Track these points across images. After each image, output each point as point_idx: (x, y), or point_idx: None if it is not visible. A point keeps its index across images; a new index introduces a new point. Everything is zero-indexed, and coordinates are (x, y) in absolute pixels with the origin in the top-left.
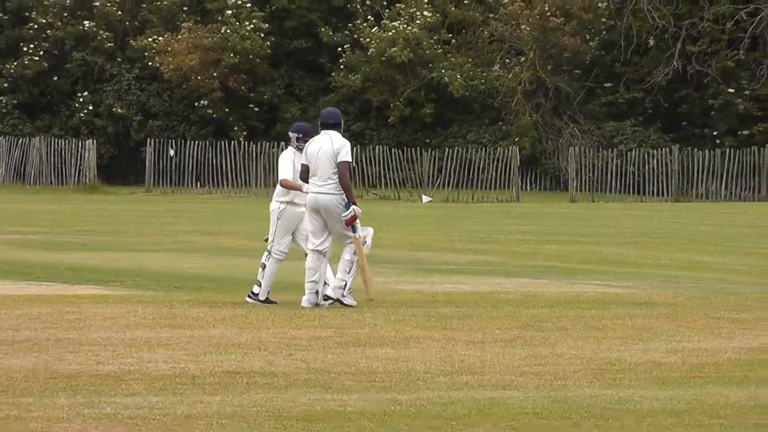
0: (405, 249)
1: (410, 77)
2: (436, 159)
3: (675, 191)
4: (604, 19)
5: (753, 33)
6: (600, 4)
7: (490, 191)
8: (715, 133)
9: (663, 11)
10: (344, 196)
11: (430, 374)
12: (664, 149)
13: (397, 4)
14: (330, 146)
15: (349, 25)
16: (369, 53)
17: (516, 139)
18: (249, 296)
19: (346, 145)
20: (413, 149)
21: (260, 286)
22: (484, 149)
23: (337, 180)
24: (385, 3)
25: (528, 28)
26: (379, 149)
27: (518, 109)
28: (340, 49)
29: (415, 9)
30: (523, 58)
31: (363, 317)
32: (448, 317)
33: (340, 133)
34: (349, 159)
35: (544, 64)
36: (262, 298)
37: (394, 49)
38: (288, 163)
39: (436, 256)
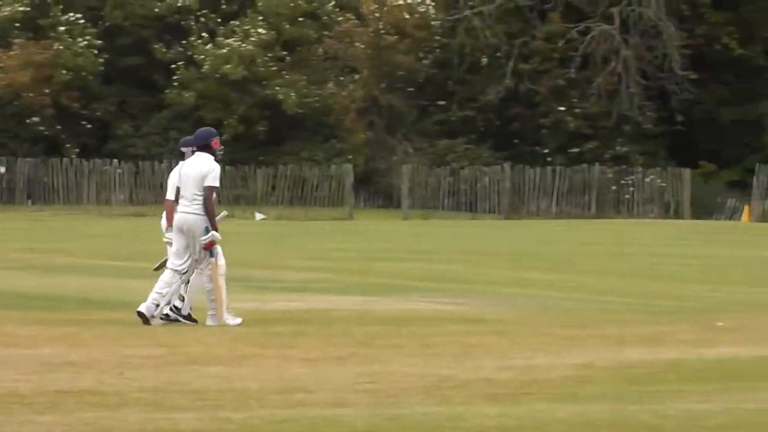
0: (238, 267)
1: (244, 94)
2: (270, 176)
3: (507, 208)
4: (437, 37)
5: (584, 51)
6: (433, 23)
7: (323, 209)
8: (546, 150)
9: (495, 30)
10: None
11: (263, 392)
12: (495, 167)
13: (232, 21)
14: (199, 169)
15: (183, 42)
16: (203, 70)
17: (349, 157)
18: (172, 309)
19: (214, 169)
20: (247, 166)
21: (183, 300)
22: (317, 167)
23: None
24: (219, 20)
25: (362, 46)
26: None
27: (352, 127)
28: (173, 66)
29: (249, 26)
30: (357, 76)
31: (196, 336)
32: (281, 335)
33: (211, 154)
34: (216, 184)
35: (377, 81)
36: (184, 312)
37: (228, 66)
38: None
39: (269, 274)
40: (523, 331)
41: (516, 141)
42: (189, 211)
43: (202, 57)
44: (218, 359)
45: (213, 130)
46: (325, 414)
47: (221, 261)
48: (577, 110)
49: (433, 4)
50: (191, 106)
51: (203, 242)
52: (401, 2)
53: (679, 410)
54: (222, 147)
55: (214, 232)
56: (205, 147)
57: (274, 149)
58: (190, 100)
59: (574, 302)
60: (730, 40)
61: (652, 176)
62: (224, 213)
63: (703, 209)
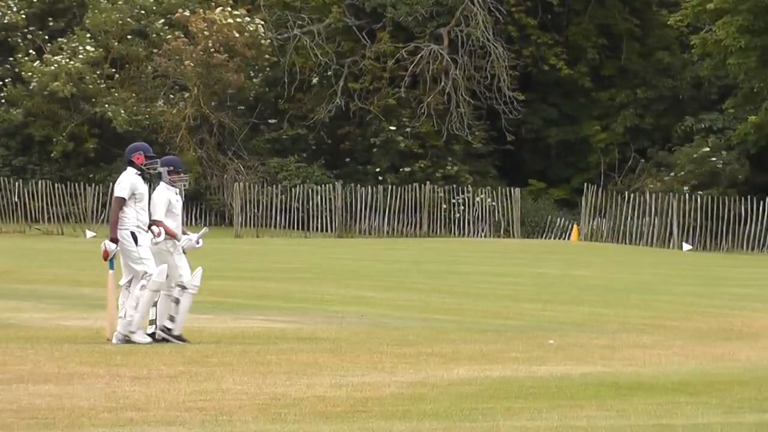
0: (68, 284)
1: (73, 112)
2: (101, 194)
3: (338, 227)
4: (267, 56)
5: (413, 71)
6: (263, 41)
7: None
8: (377, 169)
9: (325, 49)
10: (128, 231)
11: (94, 411)
12: (327, 185)
13: (59, 39)
14: (117, 182)
15: (10, 59)
16: (31, 87)
17: None
18: (162, 330)
19: (121, 181)
20: (77, 184)
21: (174, 321)
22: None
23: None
24: (46, 37)
25: (192, 64)
26: (41, 184)
27: (183, 145)
28: (0, 83)
29: (77, 43)
30: (187, 94)
31: (25, 354)
32: (112, 353)
33: (133, 168)
34: (120, 194)
35: (208, 100)
36: (176, 333)
37: (56, 83)
38: (162, 201)
39: (99, 292)
40: (355, 349)
41: (347, 159)
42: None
43: (30, 74)
44: (48, 377)
45: (140, 145)
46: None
47: (160, 277)
48: (407, 129)
49: (262, 23)
50: (19, 123)
51: (102, 249)
52: (231, 21)
53: (510, 427)
54: (149, 162)
55: (107, 242)
56: (129, 162)
57: (105, 167)
58: (18, 117)
59: (407, 320)
60: (557, 61)
61: (482, 195)
62: (205, 229)
63: (533, 228)
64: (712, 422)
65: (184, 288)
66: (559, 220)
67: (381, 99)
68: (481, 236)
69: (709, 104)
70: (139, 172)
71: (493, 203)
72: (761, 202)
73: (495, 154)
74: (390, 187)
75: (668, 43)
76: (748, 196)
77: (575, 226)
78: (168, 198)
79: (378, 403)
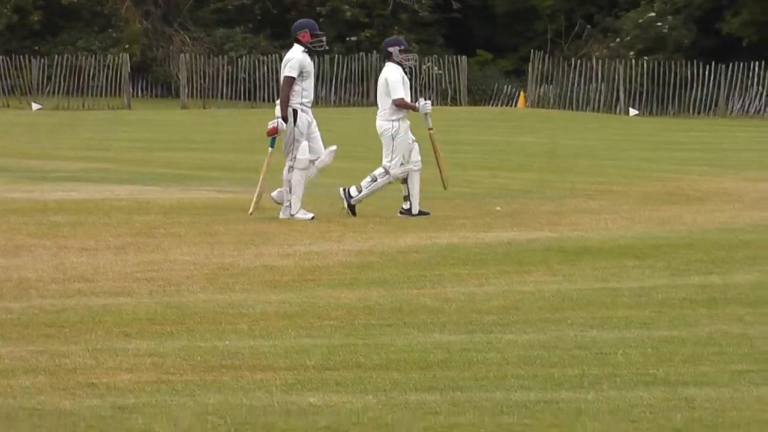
0: (14, 157)
1: None
2: (46, 66)
3: None
4: None
5: None
6: None
7: (101, 98)
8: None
9: None
10: (290, 108)
11: (42, 282)
12: (274, 56)
13: None
14: (285, 60)
15: None
16: None
17: (126, 47)
18: (401, 211)
19: (290, 59)
20: (21, 56)
21: (408, 201)
22: (94, 56)
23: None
24: None
25: None
26: None
27: (128, 17)
28: None
29: None
30: None
31: None
32: (59, 225)
33: (300, 45)
34: (289, 74)
35: None
36: (414, 212)
37: None
38: (400, 80)
39: (46, 164)
40: (303, 219)
41: None
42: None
43: None
44: None
45: (306, 22)
46: (106, 302)
47: (302, 155)
48: None
49: None
50: None
51: (270, 125)
52: None
53: (458, 293)
54: (315, 40)
55: (279, 120)
56: (296, 40)
57: (50, 39)
58: None
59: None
60: None
61: (429, 64)
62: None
63: (480, 96)
64: (658, 284)
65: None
66: (506, 87)
67: None
68: None
69: None
70: (306, 50)
71: (440, 72)
72: (707, 66)
73: (441, 23)
74: (336, 56)
75: None
76: (694, 61)
77: (522, 93)
78: (403, 75)
79: (326, 271)
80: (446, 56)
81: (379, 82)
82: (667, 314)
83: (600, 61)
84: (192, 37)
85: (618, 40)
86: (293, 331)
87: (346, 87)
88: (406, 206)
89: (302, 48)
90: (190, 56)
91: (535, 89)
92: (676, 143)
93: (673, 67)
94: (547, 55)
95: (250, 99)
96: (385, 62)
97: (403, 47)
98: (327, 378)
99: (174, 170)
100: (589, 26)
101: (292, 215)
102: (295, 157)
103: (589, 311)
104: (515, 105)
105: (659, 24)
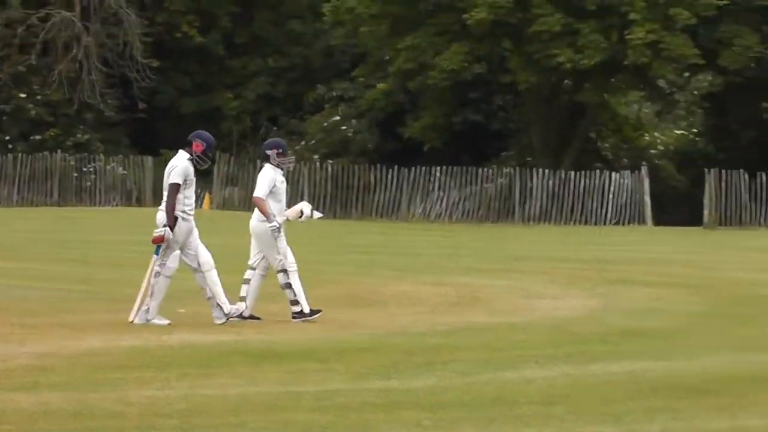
0: None
1: None
2: None
3: None
4: None
5: (45, 38)
6: None
7: None
8: (7, 137)
9: None
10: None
11: None
12: None
13: None
14: (170, 166)
15: None
16: None
17: None
18: (294, 317)
19: (175, 166)
20: None
21: (298, 304)
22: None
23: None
24: None
25: None
26: None
27: None
28: None
29: None
30: None
31: None
32: None
33: (189, 152)
34: (175, 180)
35: None
36: (306, 311)
37: None
38: (267, 181)
39: None
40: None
41: None
42: (161, 208)
43: None
44: None
45: (205, 135)
46: None
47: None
48: (38, 97)
49: None
50: None
51: (155, 234)
52: None
53: (141, 397)
54: (206, 156)
55: (166, 228)
56: (187, 144)
57: None
58: None
59: (35, 291)
60: (190, 28)
61: (113, 164)
62: (315, 214)
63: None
64: (339, 388)
65: (285, 271)
66: None
67: (11, 66)
68: (113, 205)
69: (340, 72)
70: (191, 158)
71: (125, 172)
72: (390, 170)
73: (127, 123)
74: (20, 155)
75: (301, 12)
76: (377, 164)
77: (207, 194)
78: (273, 178)
79: (5, 375)
80: (131, 156)
81: None
82: (348, 418)
83: None
84: None
85: (303, 143)
86: None
87: (30, 186)
88: (296, 309)
89: (188, 155)
90: None
91: (221, 190)
92: (359, 246)
93: (356, 170)
94: (232, 157)
95: None
96: (263, 164)
97: (281, 150)
98: None
99: None
100: (275, 128)
101: (148, 320)
102: (164, 264)
103: (271, 415)
104: (201, 206)
105: (344, 128)
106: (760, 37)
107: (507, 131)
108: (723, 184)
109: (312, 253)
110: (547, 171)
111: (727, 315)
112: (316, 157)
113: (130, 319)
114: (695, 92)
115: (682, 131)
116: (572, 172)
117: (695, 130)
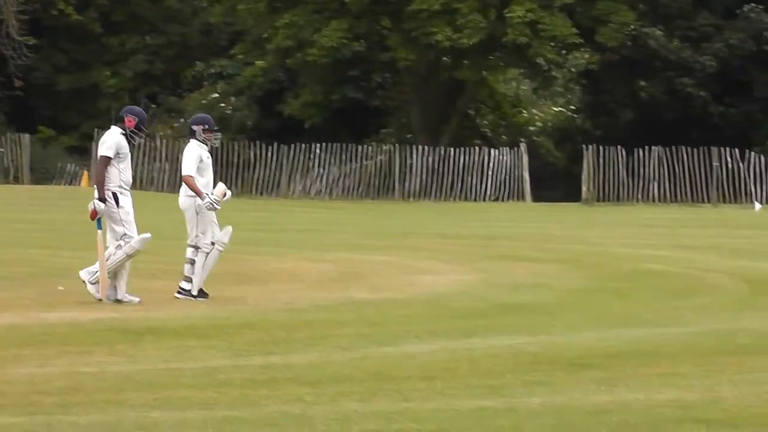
0: None
1: None
2: None
3: None
4: None
5: None
6: None
7: None
8: None
9: None
10: (109, 192)
11: None
12: None
13: None
14: (102, 140)
15: None
16: None
17: None
18: (179, 292)
19: (106, 140)
20: None
21: (190, 282)
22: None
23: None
24: None
25: None
26: None
27: None
28: None
29: None
30: None
31: None
32: None
33: (121, 128)
34: (105, 153)
35: None
36: (194, 293)
37: None
38: (195, 158)
39: None
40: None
41: None
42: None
43: None
44: None
45: (136, 110)
46: None
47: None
48: None
49: None
50: None
51: (89, 209)
52: None
53: (19, 374)
54: (136, 130)
55: (96, 201)
56: (119, 119)
57: None
58: None
59: None
60: (66, 6)
61: None
62: (228, 193)
63: (43, 174)
64: (220, 365)
65: (197, 248)
66: (69, 166)
67: None
68: None
69: (218, 50)
70: (124, 133)
71: (2, 149)
72: (269, 147)
73: (4, 100)
74: None
75: None
76: (257, 142)
77: (85, 172)
78: (199, 154)
79: None
80: (8, 134)
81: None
82: (229, 394)
83: (164, 141)
84: None
85: (182, 120)
86: None
87: None
88: (186, 286)
89: (120, 131)
90: None
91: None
92: (239, 223)
93: (236, 147)
94: None
95: None
96: (189, 140)
97: (206, 126)
98: None
99: None
100: (154, 106)
101: (117, 299)
102: (126, 235)
103: (151, 392)
104: (79, 184)
105: (222, 105)
106: (635, 15)
107: (386, 108)
108: (601, 161)
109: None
110: (426, 148)
111: (606, 290)
112: None
113: (99, 297)
114: (573, 69)
115: (561, 108)
116: (451, 149)
117: (573, 107)
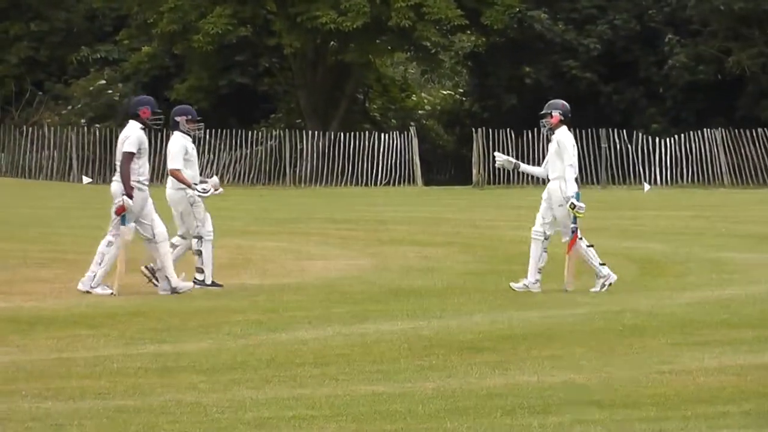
0: None
1: None
2: None
3: None
4: None
5: None
6: None
7: None
8: None
9: None
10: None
11: None
12: None
13: None
14: (123, 136)
15: None
16: None
17: None
18: (194, 282)
19: (129, 136)
20: None
21: (202, 272)
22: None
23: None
24: None
25: None
26: None
27: None
28: None
29: None
30: None
31: None
32: None
33: (140, 122)
34: (129, 149)
35: None
36: (208, 282)
37: None
38: (180, 151)
39: None
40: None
41: None
42: (115, 179)
43: None
44: None
45: (146, 99)
46: None
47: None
48: None
49: None
50: None
51: (116, 205)
52: None
53: None
54: (154, 117)
55: (124, 197)
56: (134, 116)
57: None
58: None
59: None
60: None
61: None
62: (220, 189)
63: None
64: (112, 354)
65: (200, 238)
66: None
67: None
68: None
69: (104, 36)
70: (143, 127)
71: None
72: (158, 134)
73: None
74: None
75: None
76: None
77: None
78: (185, 146)
79: None
80: None
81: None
82: (122, 383)
83: (52, 129)
84: None
85: (70, 107)
86: None
87: None
88: (200, 277)
89: (140, 125)
90: None
91: None
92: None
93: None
94: None
95: None
96: (172, 131)
97: (190, 117)
98: None
99: None
100: (40, 93)
101: (91, 288)
102: (118, 235)
103: (43, 382)
104: None
105: (110, 91)
106: None
107: (274, 93)
108: (490, 144)
109: (82, 218)
110: (316, 133)
111: (499, 273)
112: (83, 121)
113: (113, 292)
114: (459, 52)
115: (449, 91)
116: (342, 134)
117: (461, 90)
